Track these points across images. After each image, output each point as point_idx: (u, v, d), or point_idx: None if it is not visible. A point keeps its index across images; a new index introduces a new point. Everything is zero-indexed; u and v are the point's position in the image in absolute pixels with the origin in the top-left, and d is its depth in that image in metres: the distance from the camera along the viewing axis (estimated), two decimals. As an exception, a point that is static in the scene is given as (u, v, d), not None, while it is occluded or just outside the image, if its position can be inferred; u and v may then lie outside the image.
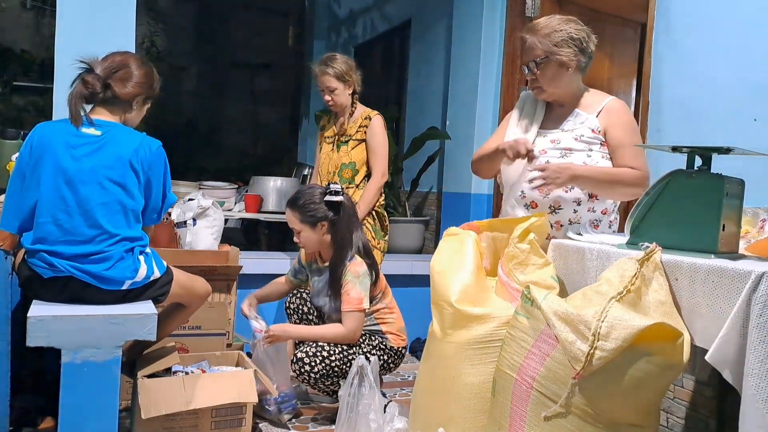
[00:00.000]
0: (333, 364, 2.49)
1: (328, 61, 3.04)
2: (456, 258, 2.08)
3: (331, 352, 2.51)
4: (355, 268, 2.55)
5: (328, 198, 2.57)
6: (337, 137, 3.15)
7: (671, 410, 2.44)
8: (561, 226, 2.13)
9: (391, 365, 2.69)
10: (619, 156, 2.09)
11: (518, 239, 1.98)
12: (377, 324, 2.65)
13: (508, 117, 2.33)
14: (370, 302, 2.60)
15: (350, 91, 3.08)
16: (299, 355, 2.49)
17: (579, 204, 2.11)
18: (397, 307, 2.75)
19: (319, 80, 3.07)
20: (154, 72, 2.13)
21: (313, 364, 2.47)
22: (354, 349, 2.56)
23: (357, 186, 3.09)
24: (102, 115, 2.03)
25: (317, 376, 2.48)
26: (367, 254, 2.62)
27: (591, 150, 2.09)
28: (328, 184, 2.64)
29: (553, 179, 1.99)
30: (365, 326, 2.62)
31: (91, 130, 1.97)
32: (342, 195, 2.60)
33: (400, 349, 2.69)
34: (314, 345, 2.52)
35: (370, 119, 3.08)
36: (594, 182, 2.07)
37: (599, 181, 2.07)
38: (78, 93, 1.96)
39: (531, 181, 2.06)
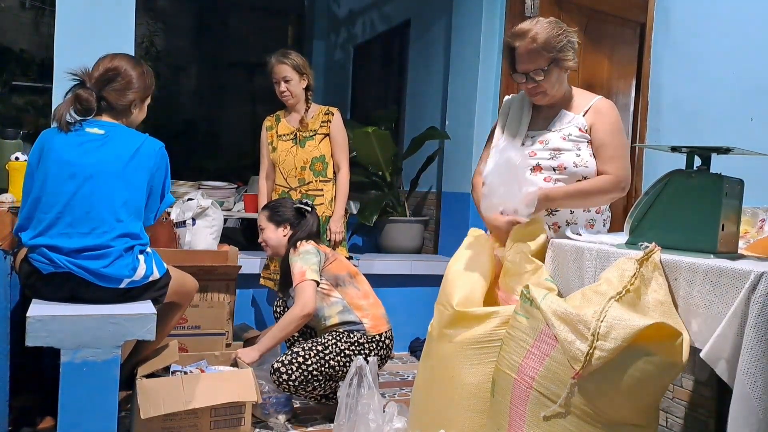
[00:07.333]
0: (311, 369, 2.47)
1: (284, 53, 3.13)
2: (472, 265, 2.09)
3: (307, 357, 2.48)
4: (295, 250, 2.66)
5: (298, 205, 2.83)
6: (297, 133, 3.16)
7: (670, 410, 2.44)
8: (558, 227, 2.13)
9: (380, 357, 2.61)
10: (598, 156, 2.09)
11: (509, 252, 2.00)
12: (351, 310, 2.60)
13: (494, 126, 2.30)
14: (340, 284, 2.63)
15: (305, 85, 3.15)
16: (275, 365, 2.47)
17: None
18: (376, 297, 2.72)
19: (274, 70, 3.11)
20: (146, 69, 2.12)
21: (290, 372, 2.45)
22: (330, 349, 2.52)
23: (330, 180, 3.17)
24: (104, 118, 2.06)
25: (296, 383, 2.46)
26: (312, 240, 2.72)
27: (579, 149, 2.09)
28: (300, 200, 2.91)
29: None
30: (339, 324, 2.58)
31: (95, 130, 2.01)
32: (312, 210, 2.83)
33: (381, 336, 2.61)
34: (290, 353, 2.50)
35: (332, 114, 3.17)
36: (564, 203, 2.08)
37: (569, 199, 2.07)
38: (67, 105, 1.99)
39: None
